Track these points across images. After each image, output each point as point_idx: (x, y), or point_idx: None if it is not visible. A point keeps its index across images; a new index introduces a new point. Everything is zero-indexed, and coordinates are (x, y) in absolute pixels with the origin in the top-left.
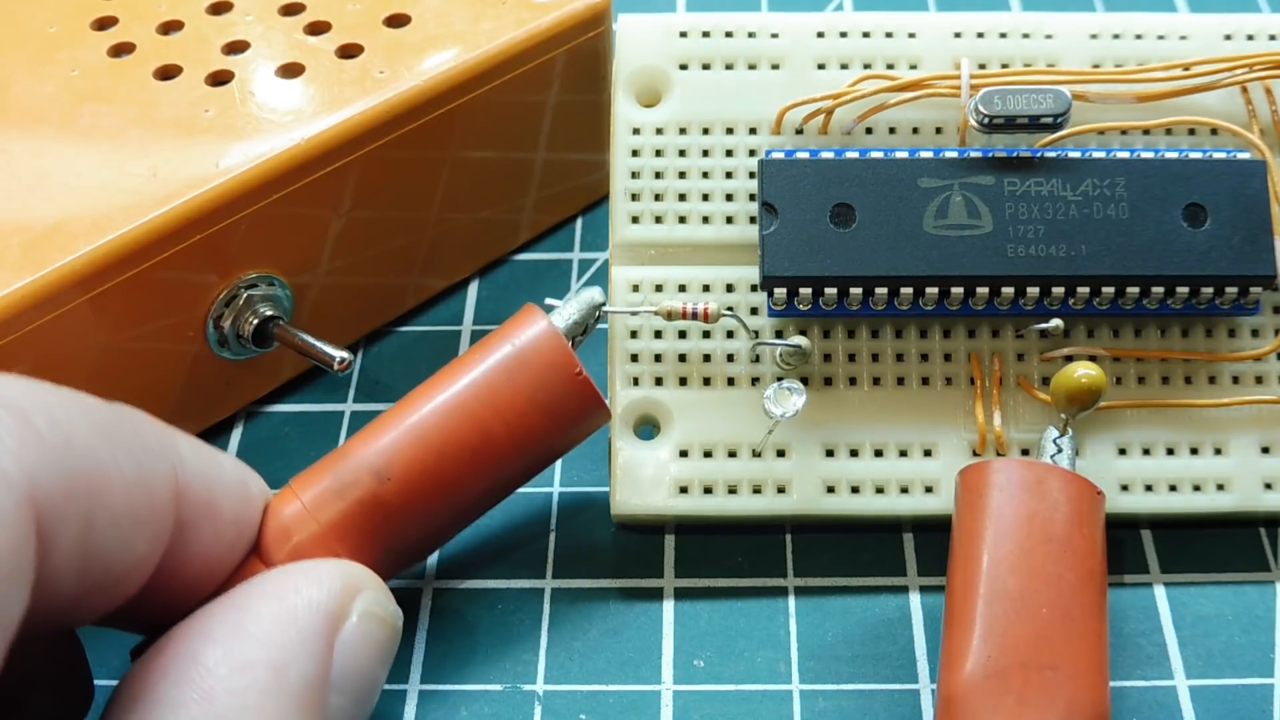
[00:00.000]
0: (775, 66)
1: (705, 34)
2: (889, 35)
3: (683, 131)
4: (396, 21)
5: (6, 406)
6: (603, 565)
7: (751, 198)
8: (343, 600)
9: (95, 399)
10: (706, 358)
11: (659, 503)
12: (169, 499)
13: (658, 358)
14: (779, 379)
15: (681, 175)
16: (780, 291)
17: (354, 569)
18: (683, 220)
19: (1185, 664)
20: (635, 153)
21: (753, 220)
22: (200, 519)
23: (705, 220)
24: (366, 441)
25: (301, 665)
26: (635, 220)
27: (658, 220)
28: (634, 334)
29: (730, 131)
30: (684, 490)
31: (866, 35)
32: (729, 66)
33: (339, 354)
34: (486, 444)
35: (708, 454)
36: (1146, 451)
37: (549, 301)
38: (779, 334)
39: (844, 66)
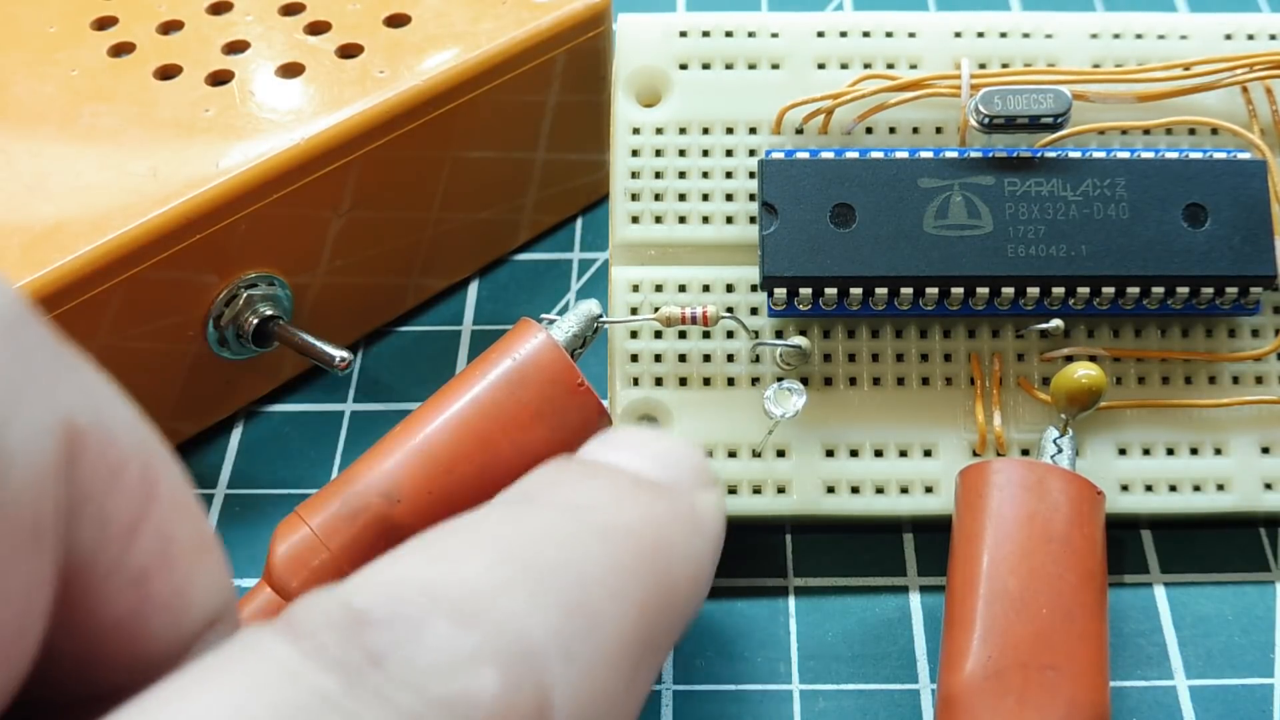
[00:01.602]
0: (775, 66)
1: (705, 34)
2: (889, 35)
3: (683, 131)
4: (396, 21)
5: None
6: None
7: (751, 198)
8: None
9: None
10: (706, 358)
11: None
12: (37, 614)
13: (658, 358)
14: (779, 379)
15: (681, 175)
16: (780, 292)
17: None
18: (683, 220)
19: (1185, 664)
20: (635, 153)
21: (753, 220)
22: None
23: (705, 220)
24: (372, 465)
25: None
26: (635, 220)
27: (658, 220)
28: (634, 334)
29: (730, 131)
30: None
31: (866, 35)
32: (729, 66)
33: (339, 353)
34: (493, 460)
35: (708, 454)
36: (1146, 452)
37: (545, 316)
38: (779, 334)
39: (844, 66)
